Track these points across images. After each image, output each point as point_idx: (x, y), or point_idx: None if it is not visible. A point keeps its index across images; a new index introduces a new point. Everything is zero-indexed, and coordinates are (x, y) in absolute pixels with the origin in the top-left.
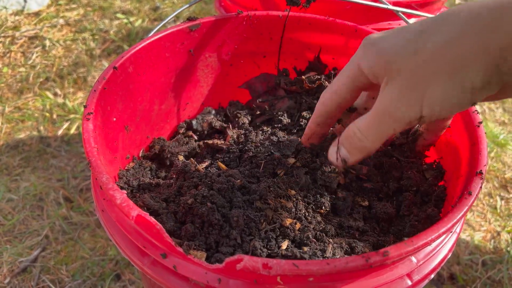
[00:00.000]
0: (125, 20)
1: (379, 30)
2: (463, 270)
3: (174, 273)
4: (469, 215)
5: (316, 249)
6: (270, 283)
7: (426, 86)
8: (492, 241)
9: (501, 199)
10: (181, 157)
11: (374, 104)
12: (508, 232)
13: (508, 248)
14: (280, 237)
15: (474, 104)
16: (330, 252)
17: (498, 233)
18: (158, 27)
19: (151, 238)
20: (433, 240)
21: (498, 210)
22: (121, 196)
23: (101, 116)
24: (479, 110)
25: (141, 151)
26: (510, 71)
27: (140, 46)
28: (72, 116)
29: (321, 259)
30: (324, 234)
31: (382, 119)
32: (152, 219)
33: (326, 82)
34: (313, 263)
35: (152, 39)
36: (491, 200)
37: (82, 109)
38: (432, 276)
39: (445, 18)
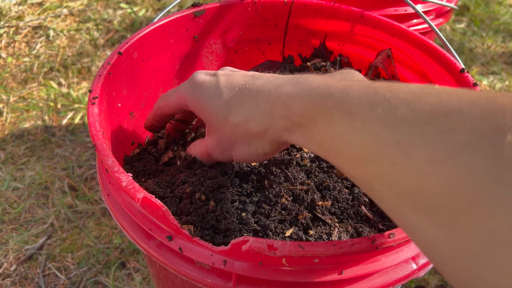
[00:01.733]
0: (129, 10)
1: (385, 16)
2: None
3: (180, 255)
4: None
5: (322, 232)
6: (275, 265)
7: (233, 146)
8: None
9: None
10: (183, 153)
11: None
12: None
13: None
14: (288, 225)
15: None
16: (336, 236)
17: None
18: (162, 14)
19: (157, 221)
20: None
21: None
22: (127, 178)
23: (106, 101)
24: None
25: (147, 138)
26: (286, 141)
27: (144, 32)
28: (76, 105)
29: None
30: (335, 217)
31: (208, 157)
32: (158, 201)
33: (332, 68)
34: (318, 244)
35: (157, 25)
36: None
37: (87, 98)
38: None
39: (246, 96)
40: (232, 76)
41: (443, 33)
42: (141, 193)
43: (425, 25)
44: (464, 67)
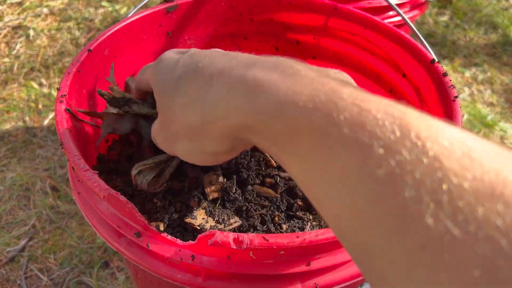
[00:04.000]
0: (110, 8)
1: (359, 8)
2: None
3: (150, 252)
4: None
5: (295, 226)
6: (243, 259)
7: (175, 139)
8: None
9: None
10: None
11: None
12: None
13: None
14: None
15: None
16: (309, 230)
17: None
18: (135, 10)
19: (125, 218)
20: None
21: None
22: (92, 176)
23: (76, 99)
24: (468, 92)
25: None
26: (244, 141)
27: (115, 29)
28: None
29: None
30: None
31: (154, 140)
32: (123, 198)
33: None
34: (283, 236)
35: (128, 21)
36: None
37: None
38: None
39: (197, 73)
40: (201, 53)
41: (426, 26)
42: (107, 190)
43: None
44: (435, 57)
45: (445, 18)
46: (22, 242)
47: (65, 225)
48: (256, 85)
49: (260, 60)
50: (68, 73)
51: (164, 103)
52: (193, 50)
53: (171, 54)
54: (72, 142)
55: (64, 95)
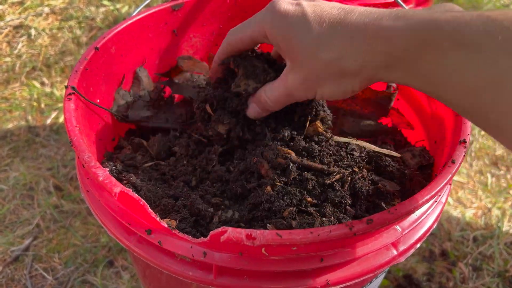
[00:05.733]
0: (112, 7)
1: (365, 5)
2: (455, 246)
3: (160, 248)
4: (460, 193)
5: (305, 222)
6: (255, 255)
7: (320, 84)
8: (483, 217)
9: (492, 176)
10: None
11: (282, 74)
12: (499, 208)
13: (499, 224)
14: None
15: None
16: (318, 225)
17: (489, 209)
18: (140, 8)
19: (136, 215)
20: (416, 208)
21: (489, 187)
22: (103, 173)
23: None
24: None
25: (128, 128)
26: (381, 79)
27: (122, 27)
28: (60, 105)
29: None
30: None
31: (287, 97)
32: (135, 195)
33: None
34: (296, 232)
35: (135, 19)
36: (482, 178)
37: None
38: (418, 245)
39: (339, 31)
40: (319, 7)
41: None
42: (118, 187)
43: None
44: None
45: None
46: (27, 242)
47: (69, 224)
48: (390, 33)
49: (384, 15)
50: (76, 71)
51: (305, 60)
52: (307, 2)
53: (285, 5)
54: (81, 140)
55: (72, 93)
